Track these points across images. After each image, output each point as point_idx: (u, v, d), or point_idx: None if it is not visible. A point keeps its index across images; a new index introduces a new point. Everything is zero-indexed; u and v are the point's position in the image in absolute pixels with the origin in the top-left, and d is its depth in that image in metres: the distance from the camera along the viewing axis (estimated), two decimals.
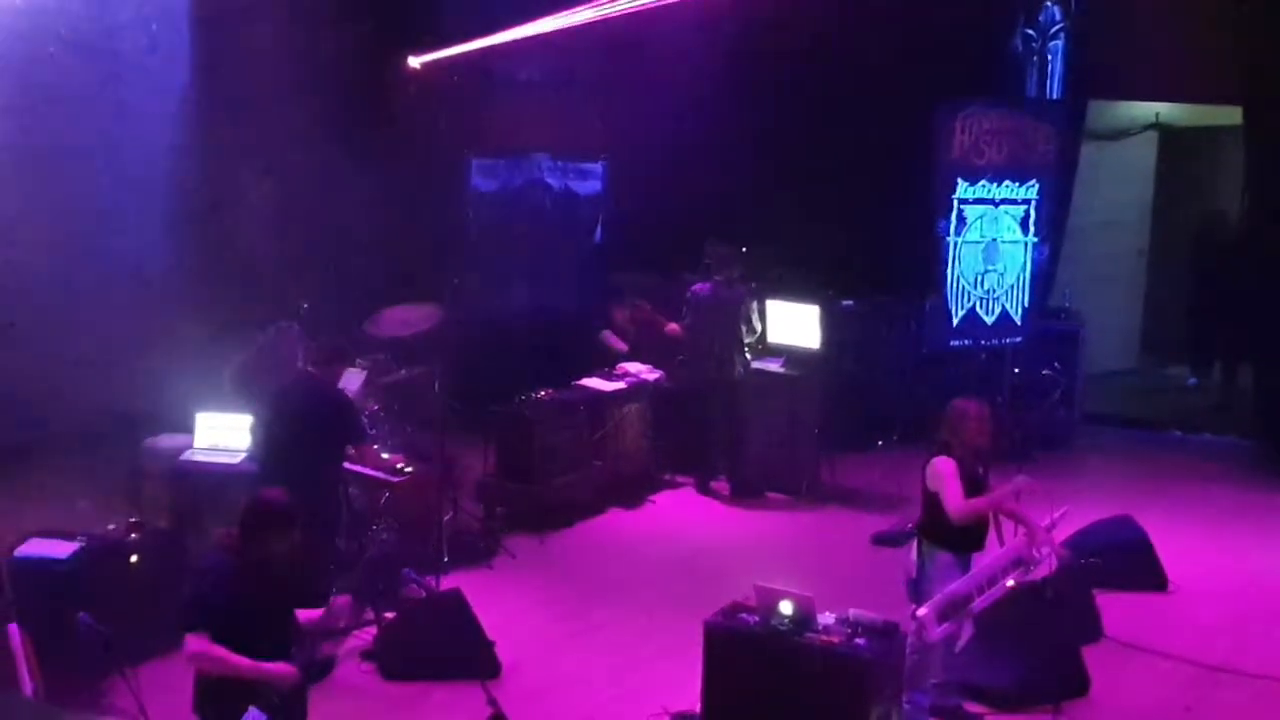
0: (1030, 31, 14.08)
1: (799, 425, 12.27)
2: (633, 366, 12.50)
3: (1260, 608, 10.02)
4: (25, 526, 8.69)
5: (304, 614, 6.50)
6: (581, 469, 11.79)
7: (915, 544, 8.06)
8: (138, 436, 10.94)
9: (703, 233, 12.68)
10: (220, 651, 6.07)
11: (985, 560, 7.87)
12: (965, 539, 7.94)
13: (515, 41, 12.86)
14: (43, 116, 11.96)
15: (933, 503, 7.89)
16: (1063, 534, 8.63)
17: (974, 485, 7.89)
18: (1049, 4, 14.19)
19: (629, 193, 14.14)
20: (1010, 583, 7.71)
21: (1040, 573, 8.04)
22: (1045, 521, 7.93)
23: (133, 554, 8.54)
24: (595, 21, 12.36)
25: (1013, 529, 8.07)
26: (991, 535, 8.06)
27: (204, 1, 12.95)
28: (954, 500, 7.76)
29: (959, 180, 12.18)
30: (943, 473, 7.84)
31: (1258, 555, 11.00)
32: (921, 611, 7.49)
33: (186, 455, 10.11)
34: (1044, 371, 13.78)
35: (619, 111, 14.18)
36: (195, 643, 6.10)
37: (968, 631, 7.64)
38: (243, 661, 6.09)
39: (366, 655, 8.78)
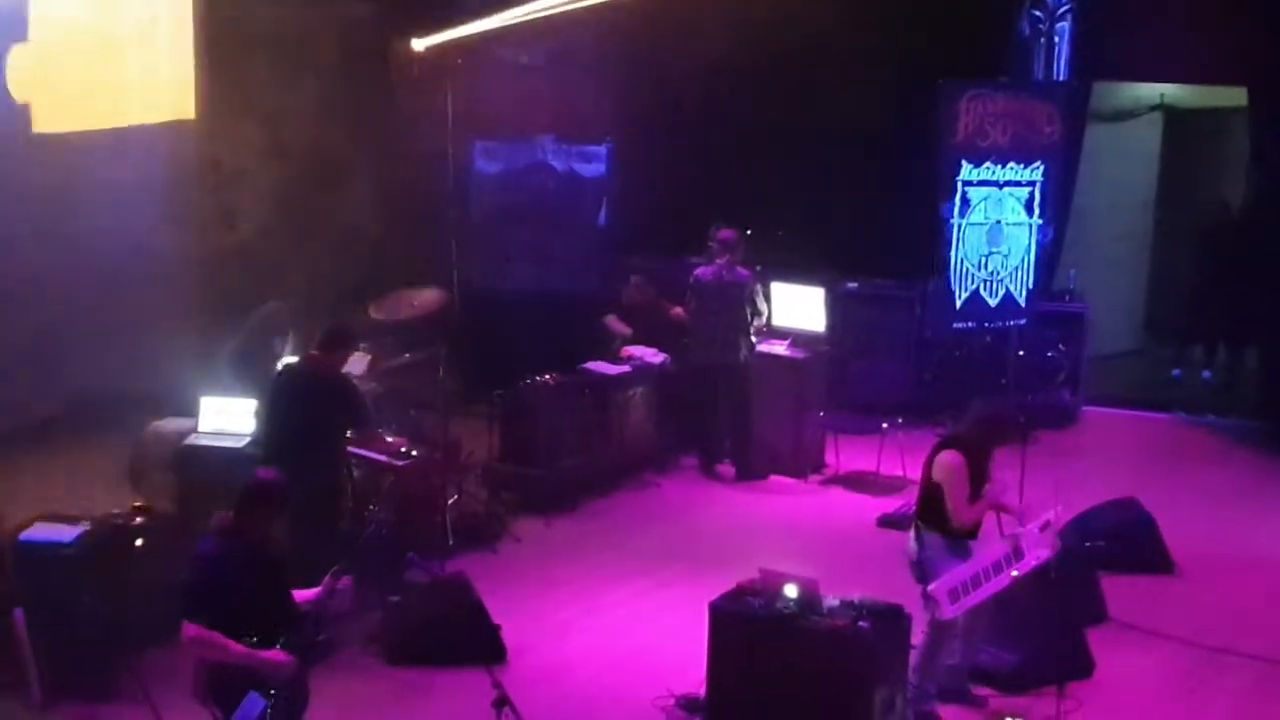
0: (1037, 13, 14.04)
1: (804, 408, 12.26)
2: (637, 350, 12.49)
3: (1265, 590, 10.02)
4: (30, 510, 8.69)
5: (301, 595, 6.52)
6: (586, 452, 11.78)
7: (914, 528, 8.06)
8: (142, 420, 10.94)
9: (707, 216, 12.66)
10: (216, 638, 6.09)
11: (988, 551, 7.85)
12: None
13: (519, 23, 12.82)
14: (44, 99, 11.95)
15: (933, 490, 7.89)
16: (1062, 523, 8.61)
17: (977, 474, 7.87)
18: None
19: (633, 176, 14.11)
20: (1015, 573, 7.70)
21: (1042, 557, 8.02)
22: (1040, 520, 7.92)
23: (137, 538, 8.55)
24: (599, 3, 12.31)
25: (1014, 521, 8.10)
26: (991, 525, 8.09)
27: None
28: (958, 505, 7.77)
29: (963, 162, 12.15)
30: (954, 471, 7.80)
31: (1263, 537, 10.99)
32: (933, 587, 7.48)
33: (191, 439, 10.09)
34: (1048, 354, 13.77)
35: (623, 94, 14.15)
36: (192, 629, 6.12)
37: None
38: (238, 648, 6.11)
39: (371, 639, 8.79)
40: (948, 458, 7.88)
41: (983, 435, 8.02)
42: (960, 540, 7.89)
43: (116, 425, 11.18)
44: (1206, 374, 15.39)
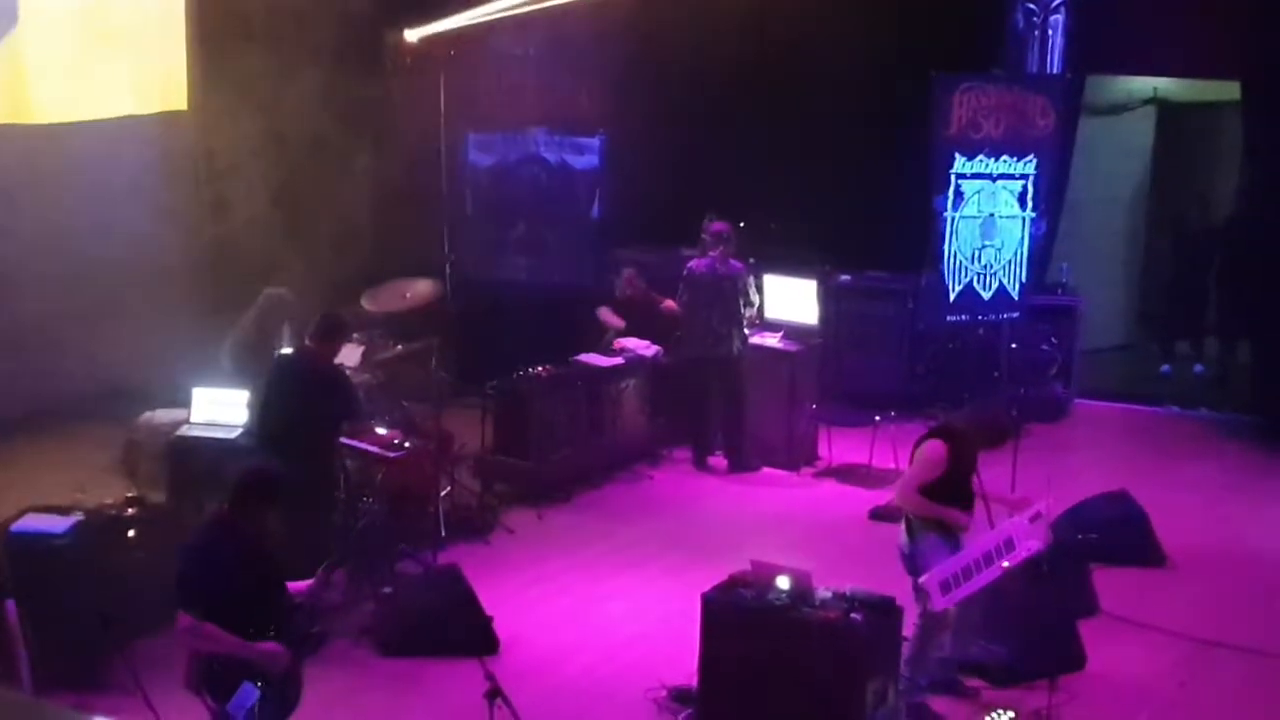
0: (1031, 6, 14.04)
1: (796, 400, 12.26)
2: (630, 342, 12.49)
3: (1257, 583, 10.02)
4: (22, 501, 8.69)
5: (295, 586, 6.53)
6: (579, 444, 11.79)
7: (905, 520, 8.07)
8: (134, 411, 10.94)
9: (700, 208, 12.66)
10: (211, 629, 6.09)
11: (979, 543, 7.85)
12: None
13: (512, 15, 12.81)
14: (36, 90, 11.94)
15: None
16: (1056, 512, 8.64)
17: (960, 469, 7.87)
18: None
19: (627, 168, 14.10)
20: (1006, 564, 7.70)
21: (1034, 549, 8.04)
22: (1031, 512, 7.93)
23: (130, 529, 8.54)
24: None
25: (1007, 512, 8.11)
26: (981, 517, 8.11)
27: None
28: (910, 486, 7.80)
29: (957, 155, 12.15)
30: (928, 460, 7.82)
31: (1255, 530, 11.00)
32: (924, 579, 7.49)
33: (183, 430, 10.10)
34: (1041, 347, 13.77)
35: (616, 86, 14.14)
36: (186, 620, 6.12)
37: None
38: (233, 640, 6.11)
39: (364, 631, 8.79)
40: (930, 447, 7.89)
41: (974, 433, 8.02)
42: (951, 532, 7.90)
43: (110, 416, 11.18)
44: (1198, 368, 15.39)
